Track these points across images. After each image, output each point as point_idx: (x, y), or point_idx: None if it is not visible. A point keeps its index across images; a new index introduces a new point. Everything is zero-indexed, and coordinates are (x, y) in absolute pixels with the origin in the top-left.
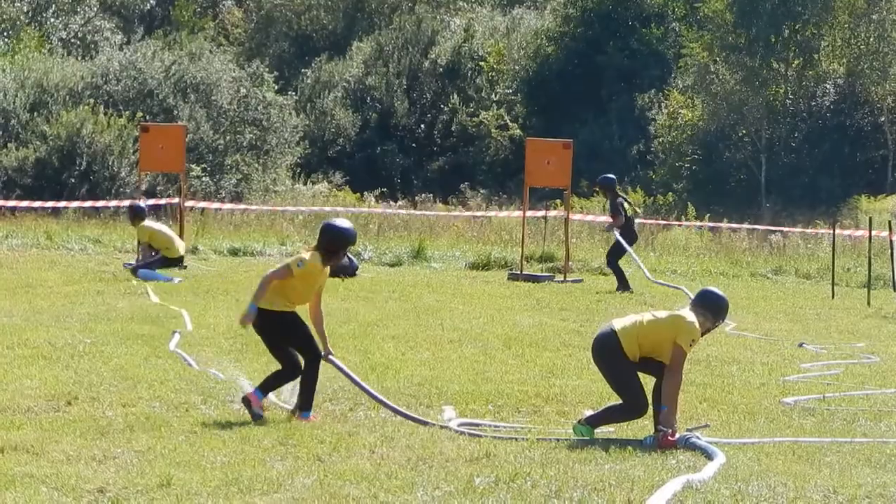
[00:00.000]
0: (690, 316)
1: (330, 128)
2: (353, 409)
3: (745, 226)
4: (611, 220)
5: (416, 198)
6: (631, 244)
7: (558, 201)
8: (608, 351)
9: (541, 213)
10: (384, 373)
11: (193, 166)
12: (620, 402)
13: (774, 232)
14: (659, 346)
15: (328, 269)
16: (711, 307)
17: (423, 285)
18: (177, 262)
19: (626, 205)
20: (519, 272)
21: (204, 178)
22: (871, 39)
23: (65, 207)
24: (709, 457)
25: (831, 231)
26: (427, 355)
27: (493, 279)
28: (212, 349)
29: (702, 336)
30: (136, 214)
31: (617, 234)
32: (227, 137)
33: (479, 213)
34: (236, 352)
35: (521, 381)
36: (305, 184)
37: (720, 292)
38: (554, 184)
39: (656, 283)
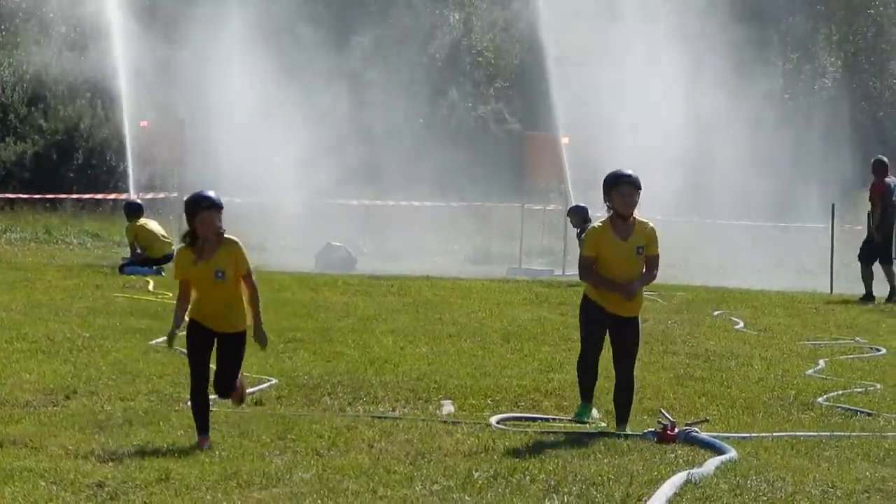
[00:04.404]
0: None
1: None
2: (351, 403)
3: (744, 221)
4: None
5: (416, 189)
6: None
7: (553, 193)
8: None
9: (539, 207)
10: (383, 367)
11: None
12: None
13: (773, 226)
14: None
15: (208, 258)
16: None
17: (421, 279)
18: (160, 261)
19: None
20: (518, 266)
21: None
22: (869, 35)
23: (63, 200)
24: (719, 452)
25: (830, 225)
26: (426, 349)
27: (492, 273)
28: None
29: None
30: (131, 212)
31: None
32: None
33: (476, 203)
34: None
35: (519, 375)
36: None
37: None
38: (550, 176)
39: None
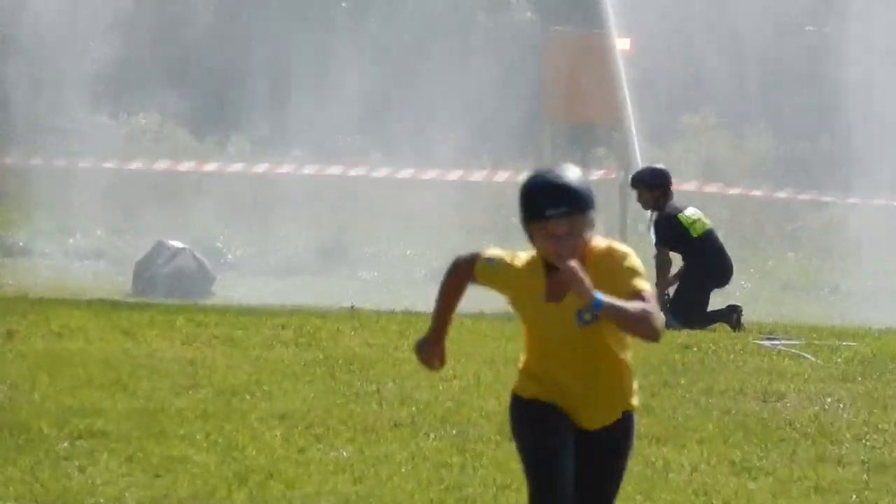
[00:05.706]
0: None
1: None
2: None
3: None
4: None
5: (327, 143)
6: (720, 283)
7: (602, 150)
8: None
9: None
10: (263, 487)
11: None
12: None
13: None
14: None
15: None
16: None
17: (342, 315)
18: None
19: (685, 218)
20: None
21: None
22: None
23: None
24: None
25: None
26: (349, 453)
27: (478, 303)
28: None
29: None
30: None
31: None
32: None
33: (452, 176)
34: None
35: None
36: (117, 117)
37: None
38: (594, 117)
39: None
